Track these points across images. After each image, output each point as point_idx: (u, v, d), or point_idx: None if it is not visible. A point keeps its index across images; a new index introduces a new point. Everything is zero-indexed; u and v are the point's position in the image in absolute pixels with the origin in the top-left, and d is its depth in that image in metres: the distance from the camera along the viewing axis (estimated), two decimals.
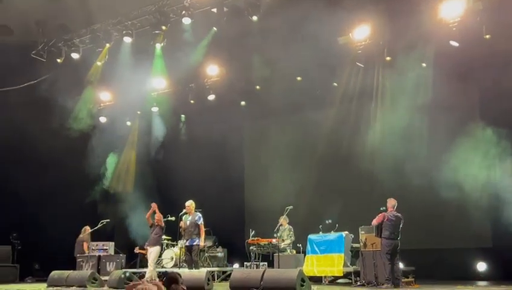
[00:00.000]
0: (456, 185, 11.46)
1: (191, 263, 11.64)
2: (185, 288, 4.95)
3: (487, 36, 11.27)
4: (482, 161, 11.91)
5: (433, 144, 13.09)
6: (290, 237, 13.20)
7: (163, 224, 11.98)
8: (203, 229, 11.84)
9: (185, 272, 9.82)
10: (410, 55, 12.47)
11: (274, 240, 12.55)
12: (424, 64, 12.86)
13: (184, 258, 12.21)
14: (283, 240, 13.06)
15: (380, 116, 14.16)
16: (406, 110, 13.32)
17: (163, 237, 14.51)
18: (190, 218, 11.76)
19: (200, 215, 11.82)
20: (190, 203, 11.84)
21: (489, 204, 12.44)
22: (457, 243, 13.35)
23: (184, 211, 11.86)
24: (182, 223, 11.85)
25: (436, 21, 11.90)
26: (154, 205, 12.04)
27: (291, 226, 13.32)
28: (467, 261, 13.25)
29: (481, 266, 13.32)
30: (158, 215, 11.96)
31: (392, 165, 12.80)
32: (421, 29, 12.21)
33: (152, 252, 11.81)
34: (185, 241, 11.75)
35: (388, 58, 13.00)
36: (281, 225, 13.20)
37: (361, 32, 12.88)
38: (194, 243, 11.60)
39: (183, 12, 13.12)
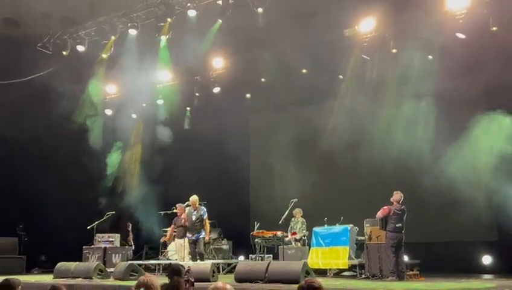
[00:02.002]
0: (461, 177, 11.40)
1: (195, 256, 11.72)
2: (193, 280, 4.93)
3: (494, 28, 11.13)
4: (488, 153, 11.84)
5: (438, 136, 13.01)
6: (302, 230, 13.16)
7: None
8: (207, 224, 11.95)
9: (190, 265, 9.85)
10: (416, 47, 12.39)
11: (279, 233, 12.56)
12: (430, 57, 12.75)
13: (189, 251, 12.28)
14: (295, 233, 13.08)
15: (386, 108, 14.09)
16: (412, 102, 13.26)
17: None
18: (195, 213, 11.83)
19: (205, 209, 11.91)
20: (195, 199, 11.88)
21: (495, 197, 12.37)
22: (463, 236, 13.30)
23: (187, 203, 11.90)
24: (185, 216, 11.89)
25: (443, 13, 11.80)
26: None
27: (304, 219, 13.30)
28: (472, 255, 13.19)
29: (486, 259, 13.28)
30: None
31: (397, 158, 12.75)
32: (427, 21, 12.12)
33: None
34: (190, 235, 11.82)
35: (394, 50, 12.89)
36: (294, 216, 13.21)
37: (367, 25, 12.79)
38: (200, 237, 11.75)
39: (188, 4, 13.10)
